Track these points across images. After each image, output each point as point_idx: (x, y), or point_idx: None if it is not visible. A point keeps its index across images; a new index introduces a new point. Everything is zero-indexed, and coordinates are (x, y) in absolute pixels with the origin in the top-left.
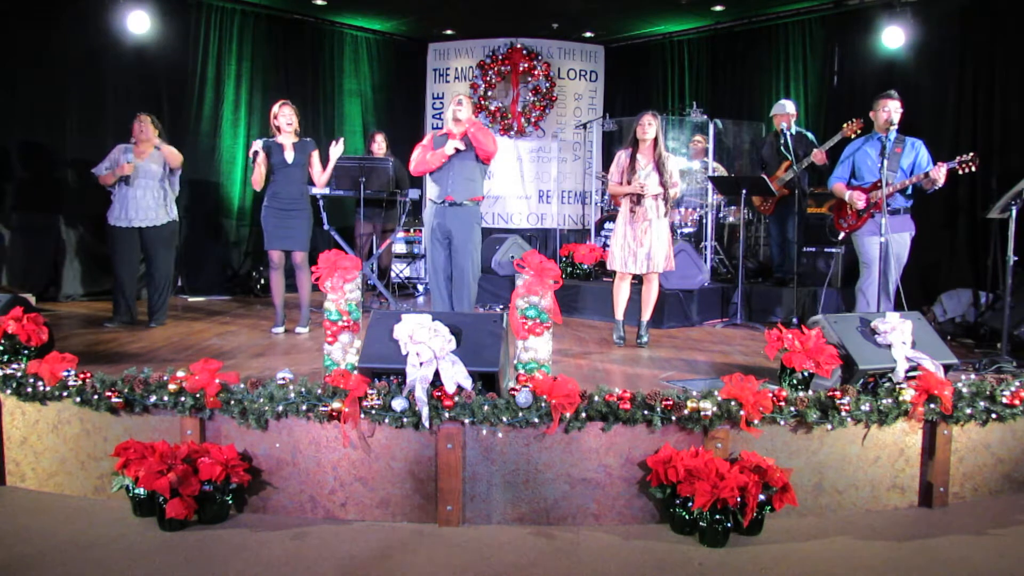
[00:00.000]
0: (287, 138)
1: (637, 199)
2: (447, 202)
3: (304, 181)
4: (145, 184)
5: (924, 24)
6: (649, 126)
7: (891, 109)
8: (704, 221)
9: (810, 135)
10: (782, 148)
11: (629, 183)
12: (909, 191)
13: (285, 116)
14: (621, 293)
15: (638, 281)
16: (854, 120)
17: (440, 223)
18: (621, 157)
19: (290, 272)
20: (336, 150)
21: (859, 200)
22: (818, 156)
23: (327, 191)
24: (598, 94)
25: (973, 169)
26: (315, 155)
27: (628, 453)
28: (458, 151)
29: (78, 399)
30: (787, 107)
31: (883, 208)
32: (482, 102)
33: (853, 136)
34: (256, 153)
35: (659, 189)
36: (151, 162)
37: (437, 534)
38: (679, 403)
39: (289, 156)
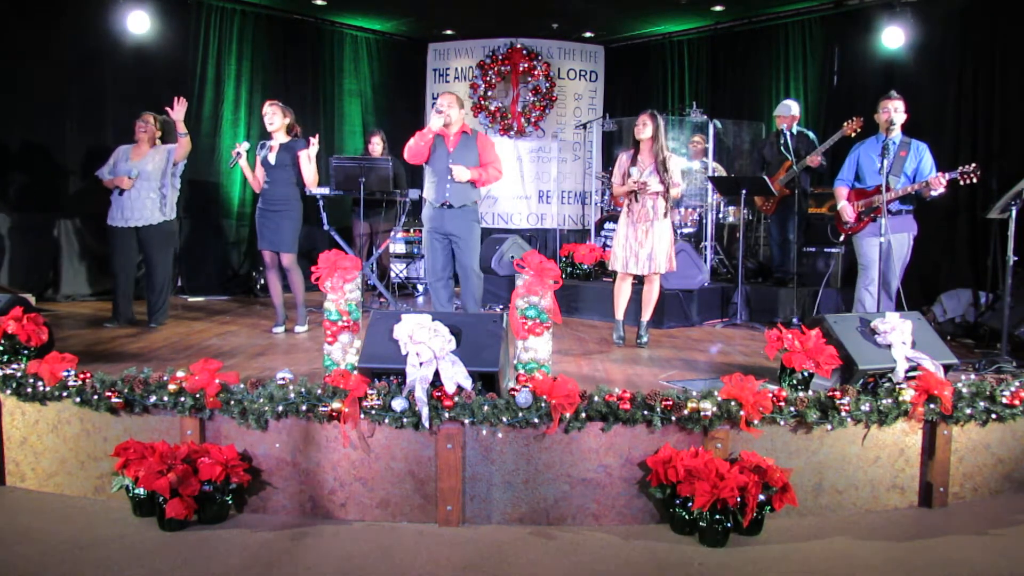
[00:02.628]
0: (276, 138)
1: (637, 198)
2: (444, 206)
3: (291, 182)
4: (140, 184)
5: (924, 24)
6: (644, 125)
7: (890, 109)
8: (704, 221)
9: (811, 135)
10: (782, 148)
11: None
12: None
13: (266, 116)
14: (622, 293)
15: (639, 281)
16: (854, 119)
17: (439, 225)
18: (622, 158)
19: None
20: (311, 150)
21: (848, 215)
22: (813, 160)
23: (327, 191)
24: (598, 94)
25: (975, 180)
26: (301, 155)
27: (628, 453)
28: (445, 132)
29: (78, 399)
30: (792, 108)
31: (883, 209)
32: (482, 102)
33: (852, 135)
34: (238, 155)
35: (659, 188)
36: (148, 162)
37: (437, 534)
38: (679, 403)
39: (272, 157)
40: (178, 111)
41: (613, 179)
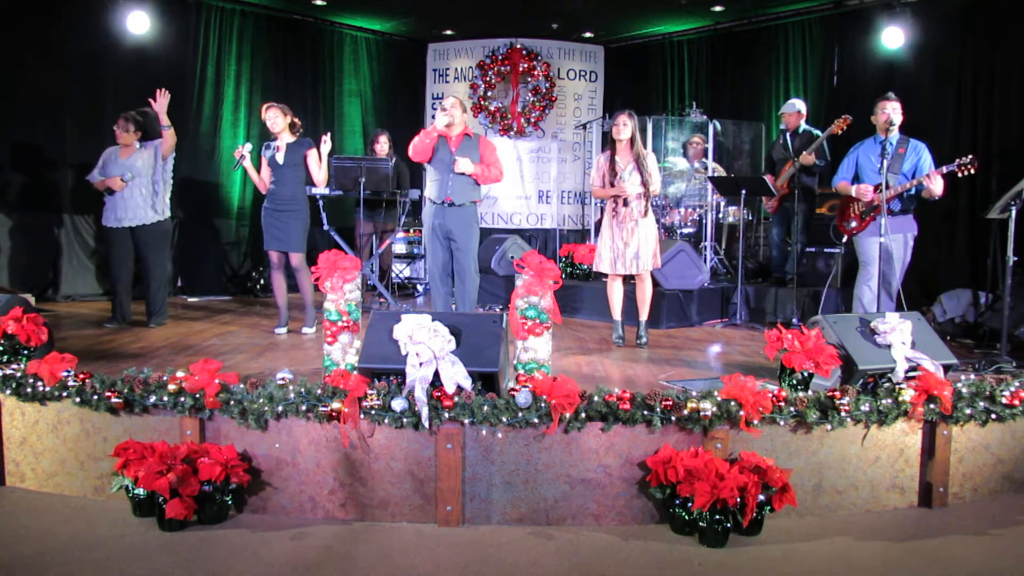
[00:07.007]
0: (282, 139)
1: (623, 201)
2: (446, 203)
3: (298, 182)
4: (131, 183)
5: (924, 24)
6: (624, 126)
7: (890, 110)
8: (704, 221)
9: (816, 132)
10: (783, 147)
11: (612, 185)
12: (912, 191)
13: (268, 119)
14: (615, 294)
15: (631, 281)
16: (842, 117)
17: (440, 223)
18: (600, 160)
19: (292, 273)
20: (324, 148)
21: (866, 193)
22: (805, 158)
23: (327, 191)
24: (598, 94)
25: (972, 172)
26: (310, 154)
27: (628, 453)
28: (447, 134)
29: (78, 399)
30: (796, 106)
31: (883, 209)
32: (482, 102)
33: (839, 132)
34: (242, 157)
35: (641, 189)
36: (136, 161)
37: (437, 534)
38: (679, 403)
39: (280, 157)
40: (160, 103)
41: (592, 182)
